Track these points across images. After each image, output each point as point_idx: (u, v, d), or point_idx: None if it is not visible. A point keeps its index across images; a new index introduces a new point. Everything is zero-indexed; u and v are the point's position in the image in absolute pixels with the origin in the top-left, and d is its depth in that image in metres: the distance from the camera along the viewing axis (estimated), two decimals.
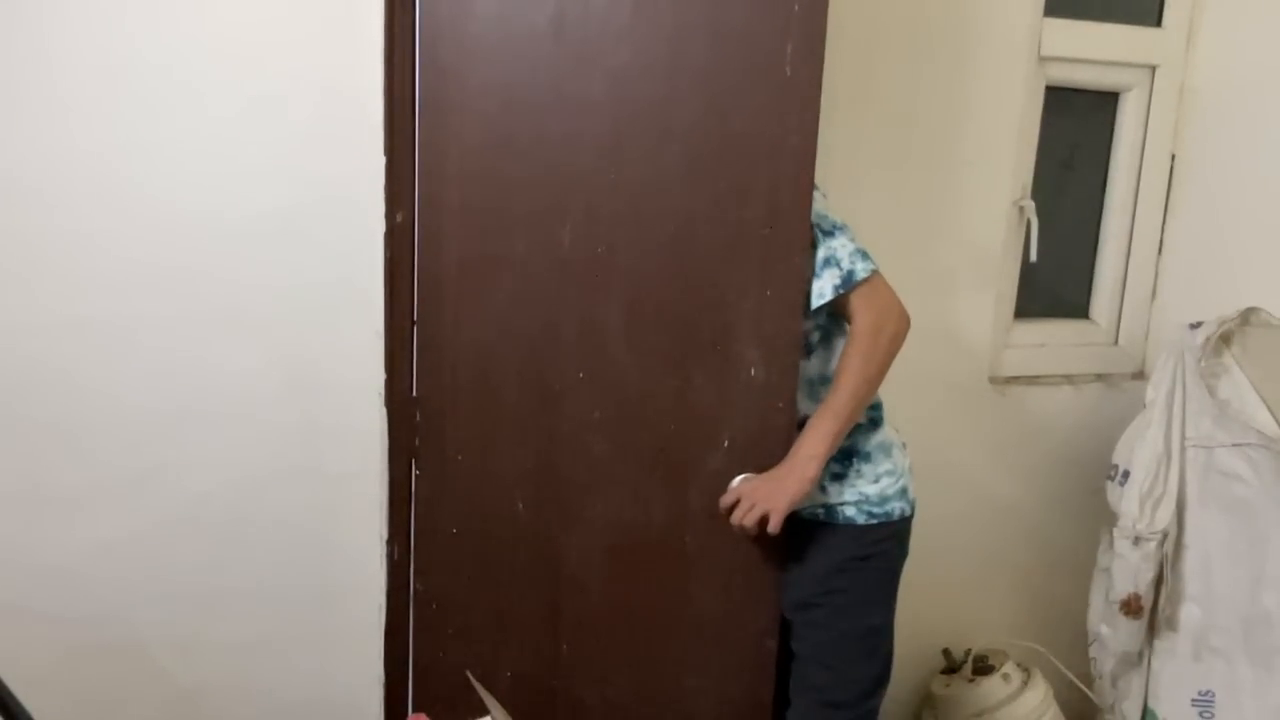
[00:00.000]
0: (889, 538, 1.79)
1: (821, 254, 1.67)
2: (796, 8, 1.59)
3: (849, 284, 1.66)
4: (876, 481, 1.77)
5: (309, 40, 1.72)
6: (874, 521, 1.77)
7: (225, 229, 1.73)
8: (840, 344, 1.76)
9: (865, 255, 1.68)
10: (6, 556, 1.73)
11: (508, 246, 1.73)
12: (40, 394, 1.70)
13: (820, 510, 1.77)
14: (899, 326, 1.68)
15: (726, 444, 1.73)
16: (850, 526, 1.77)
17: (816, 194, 1.70)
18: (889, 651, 1.81)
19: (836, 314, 1.72)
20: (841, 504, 1.77)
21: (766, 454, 1.71)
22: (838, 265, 1.66)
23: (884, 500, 1.77)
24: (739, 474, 1.72)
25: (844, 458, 1.76)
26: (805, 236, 1.66)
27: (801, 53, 1.60)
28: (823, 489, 1.76)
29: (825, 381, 1.75)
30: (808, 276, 1.67)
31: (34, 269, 1.67)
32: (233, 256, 1.75)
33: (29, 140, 1.63)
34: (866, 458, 1.78)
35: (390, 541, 1.88)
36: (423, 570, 1.89)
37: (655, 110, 1.65)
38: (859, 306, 1.67)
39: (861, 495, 1.76)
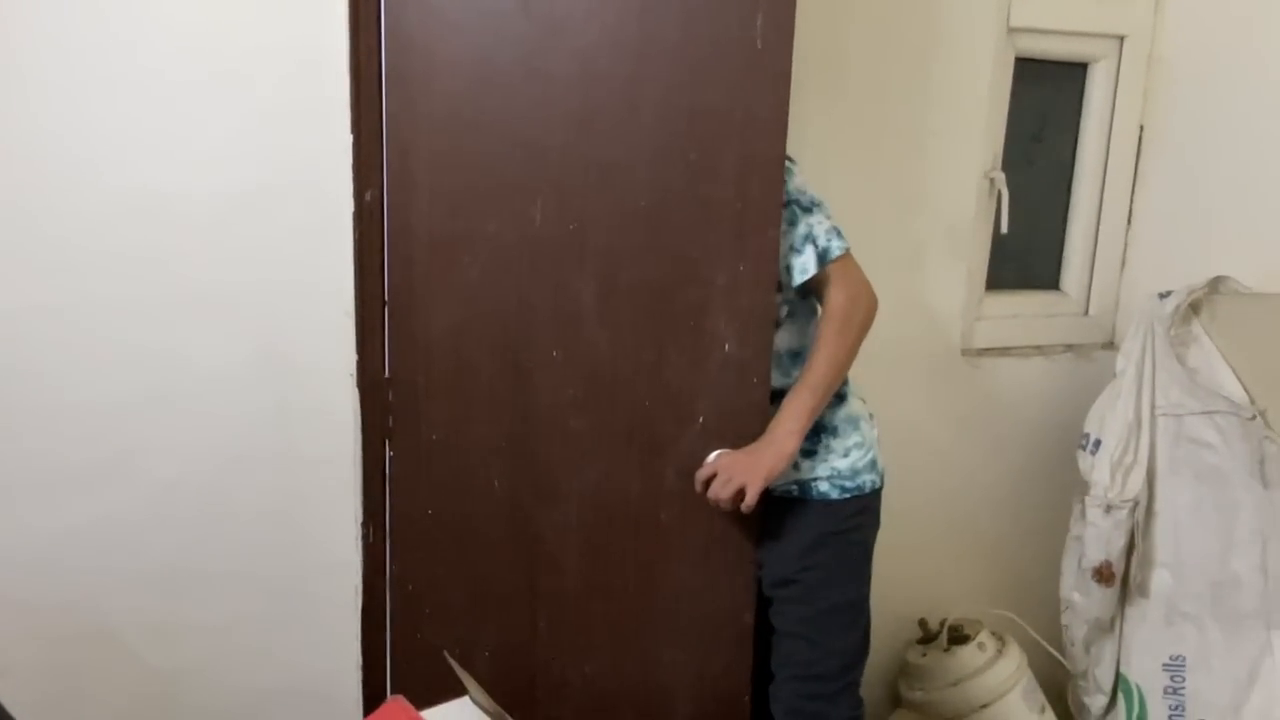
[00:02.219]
0: (862, 511, 1.81)
1: (801, 230, 1.68)
2: None
3: (824, 261, 1.67)
4: (846, 455, 1.78)
5: (271, 15, 1.69)
6: (847, 495, 1.78)
7: (189, 210, 1.71)
8: (808, 319, 1.77)
9: (839, 234, 1.70)
10: None
11: (479, 224, 1.71)
12: (6, 382, 1.68)
13: (794, 487, 1.78)
14: (870, 306, 1.71)
15: (701, 420, 1.73)
16: (824, 501, 1.77)
17: (793, 167, 1.70)
18: (867, 623, 1.83)
19: (806, 291, 1.73)
20: (814, 479, 1.77)
21: (741, 429, 1.71)
22: (813, 242, 1.67)
23: (855, 474, 1.78)
24: (714, 449, 1.72)
25: (813, 433, 1.77)
26: (778, 211, 1.66)
27: (771, 26, 1.59)
28: (795, 465, 1.76)
29: (794, 355, 1.76)
30: (785, 252, 1.68)
31: None
32: (198, 238, 1.72)
33: None
34: (834, 432, 1.79)
35: (365, 524, 1.87)
36: (399, 552, 1.88)
37: (625, 85, 1.64)
38: (833, 285, 1.69)
39: (833, 470, 1.77)
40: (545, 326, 1.73)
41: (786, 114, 1.62)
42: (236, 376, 1.78)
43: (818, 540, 1.77)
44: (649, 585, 1.81)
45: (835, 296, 1.68)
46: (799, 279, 1.68)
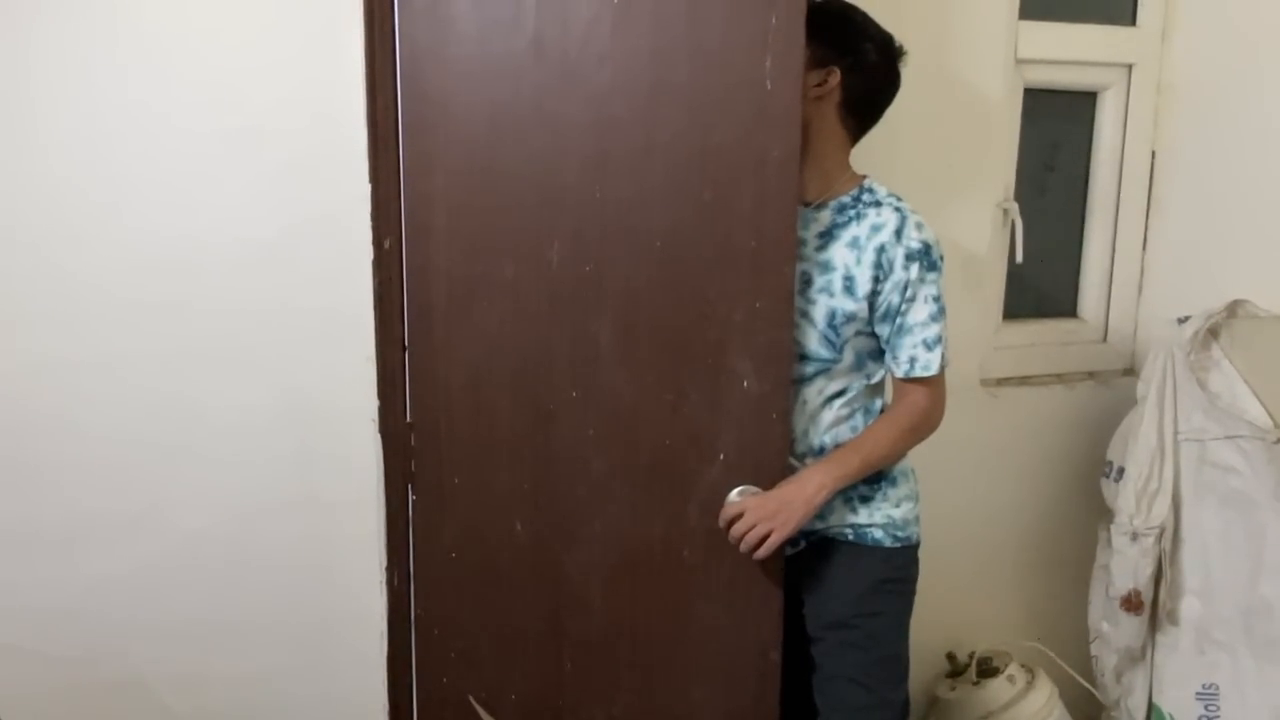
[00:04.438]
0: (911, 562, 1.84)
1: (937, 330, 1.73)
2: (774, 21, 1.59)
3: (941, 368, 1.74)
4: (899, 506, 1.81)
5: (290, 69, 1.72)
6: (898, 545, 1.80)
7: (211, 260, 1.73)
8: (871, 368, 1.79)
9: (944, 343, 1.75)
10: (4, 597, 1.72)
11: (496, 268, 1.73)
12: (33, 435, 1.70)
13: (849, 531, 1.79)
14: (940, 420, 1.80)
15: (722, 457, 1.73)
16: (879, 549, 1.79)
17: (941, 265, 1.75)
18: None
19: (869, 350, 1.77)
20: (871, 526, 1.79)
21: (762, 466, 1.71)
22: (943, 347, 1.73)
23: (906, 524, 1.81)
24: (736, 486, 1.72)
25: (874, 480, 1.79)
26: (792, 247, 1.67)
27: (779, 68, 1.61)
28: (853, 509, 1.79)
29: (828, 400, 1.76)
30: (914, 342, 1.72)
31: (20, 309, 1.66)
32: (220, 288, 1.74)
33: (9, 178, 1.63)
34: (893, 482, 1.81)
35: (389, 568, 1.88)
36: (423, 596, 1.88)
37: (637, 128, 1.66)
38: (928, 386, 1.75)
39: (889, 518, 1.79)
40: (564, 367, 1.74)
41: (798, 152, 1.64)
42: (259, 424, 1.80)
43: (876, 586, 1.78)
44: (674, 624, 1.80)
45: (922, 398, 1.75)
46: (917, 372, 1.73)
